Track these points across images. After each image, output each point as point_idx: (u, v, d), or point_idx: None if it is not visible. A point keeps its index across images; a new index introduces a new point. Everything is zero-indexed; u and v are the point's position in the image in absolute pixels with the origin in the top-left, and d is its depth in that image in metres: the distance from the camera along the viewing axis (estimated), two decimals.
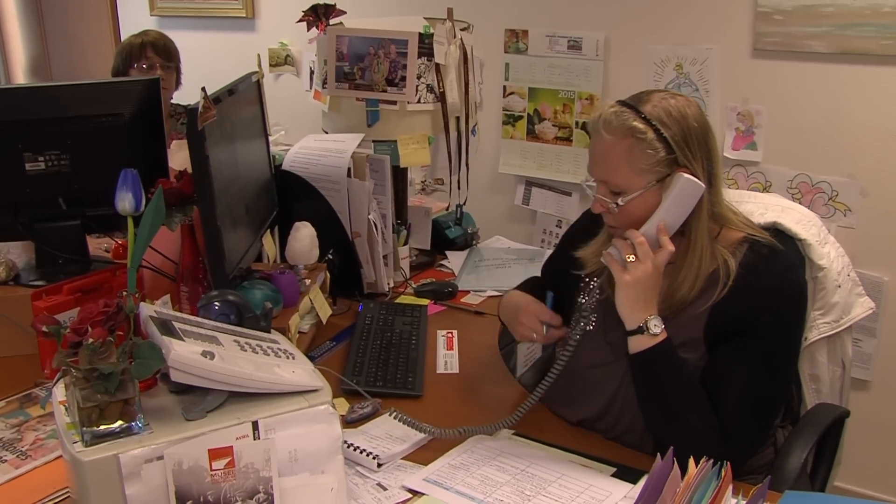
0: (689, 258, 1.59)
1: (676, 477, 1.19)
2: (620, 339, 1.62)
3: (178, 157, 2.37)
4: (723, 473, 1.20)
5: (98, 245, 2.42)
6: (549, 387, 1.65)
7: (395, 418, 1.62)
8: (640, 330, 1.56)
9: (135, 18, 4.47)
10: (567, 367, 1.67)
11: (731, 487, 1.21)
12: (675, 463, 1.21)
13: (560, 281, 1.84)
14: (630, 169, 1.55)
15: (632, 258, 1.55)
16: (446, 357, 2.08)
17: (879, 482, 2.96)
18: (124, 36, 3.91)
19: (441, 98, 2.54)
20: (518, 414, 1.64)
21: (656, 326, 1.55)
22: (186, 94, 3.27)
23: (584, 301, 1.72)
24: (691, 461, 1.22)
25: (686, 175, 1.54)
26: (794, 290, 1.60)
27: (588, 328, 1.70)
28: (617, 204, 1.57)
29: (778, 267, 1.59)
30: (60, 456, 1.55)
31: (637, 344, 1.57)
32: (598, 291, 1.69)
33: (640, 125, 1.53)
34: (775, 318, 1.56)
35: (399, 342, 2.09)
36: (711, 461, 1.22)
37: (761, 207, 1.97)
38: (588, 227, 1.79)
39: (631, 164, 1.54)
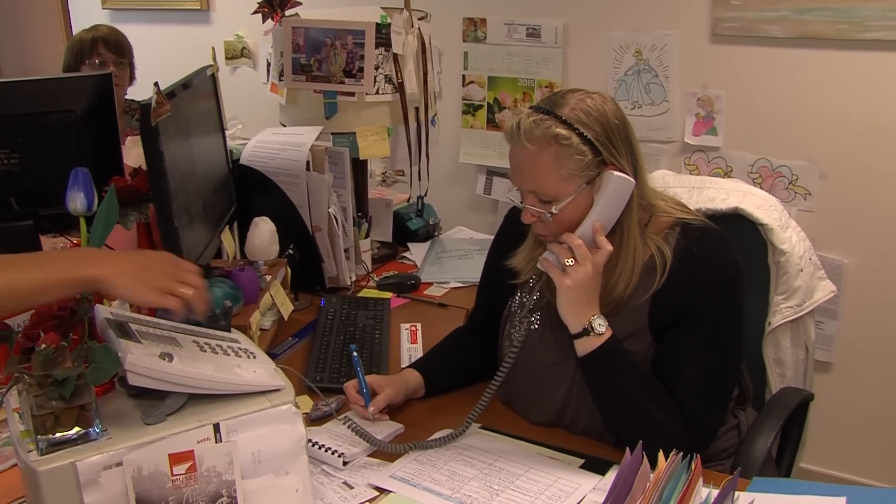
0: (623, 253, 1.58)
1: (646, 471, 1.18)
2: (568, 339, 1.61)
3: (133, 153, 2.33)
4: (693, 466, 1.19)
5: (53, 245, 2.36)
6: (498, 388, 1.63)
7: (347, 426, 1.59)
8: (586, 332, 1.55)
9: (86, 13, 4.38)
10: (524, 367, 1.67)
11: (701, 479, 1.20)
12: (645, 457, 1.20)
13: (498, 292, 1.82)
14: (559, 176, 1.53)
15: (570, 262, 1.54)
16: (410, 351, 2.06)
17: (843, 462, 2.99)
18: (76, 31, 3.82)
19: (400, 88, 2.51)
20: (466, 424, 1.61)
21: (601, 326, 1.55)
22: (141, 90, 3.21)
23: (525, 300, 1.72)
24: (661, 455, 1.22)
25: (616, 173, 1.53)
26: (730, 268, 1.60)
27: (533, 327, 1.69)
28: (551, 213, 1.55)
29: (712, 247, 1.59)
30: (16, 464, 1.51)
31: (584, 346, 1.56)
32: (537, 292, 1.68)
33: (563, 131, 1.50)
34: (717, 297, 1.57)
35: (362, 337, 2.07)
36: (681, 454, 1.22)
37: (723, 193, 1.98)
38: (510, 233, 1.77)
39: (560, 171, 1.52)
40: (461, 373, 1.86)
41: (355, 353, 1.74)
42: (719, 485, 1.23)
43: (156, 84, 1.67)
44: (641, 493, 1.14)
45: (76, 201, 1.33)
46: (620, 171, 1.53)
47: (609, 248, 1.54)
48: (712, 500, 1.15)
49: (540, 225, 1.59)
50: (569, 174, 1.52)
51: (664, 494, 1.14)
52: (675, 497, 1.14)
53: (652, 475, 1.21)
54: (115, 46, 3.11)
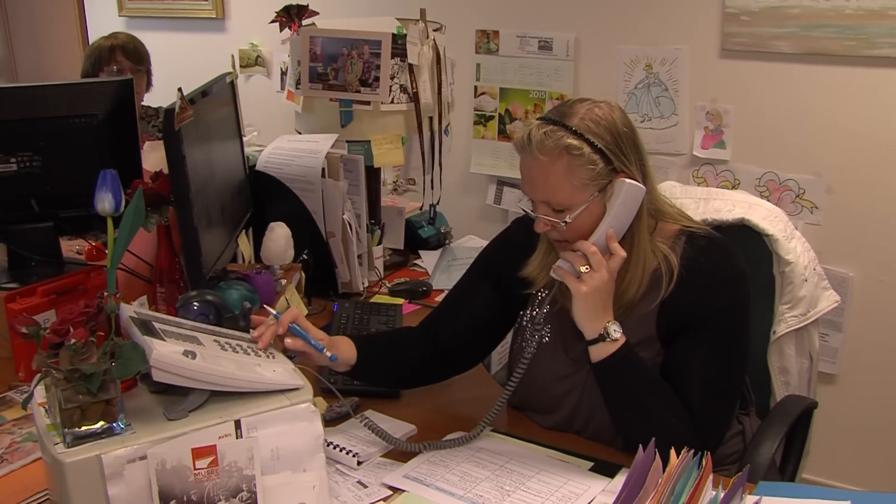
0: (633, 259, 1.60)
1: (658, 468, 1.21)
2: (578, 351, 1.63)
3: (152, 158, 2.37)
4: (703, 464, 1.22)
5: (69, 247, 2.40)
6: (510, 397, 1.65)
7: (364, 425, 1.62)
8: (602, 338, 1.56)
9: (103, 19, 4.44)
10: (534, 379, 1.69)
11: (711, 478, 1.23)
12: (657, 454, 1.23)
13: (479, 295, 1.82)
14: (571, 186, 1.54)
15: (586, 268, 1.55)
16: None
17: (847, 474, 3.01)
18: (92, 37, 3.88)
19: (414, 98, 2.55)
20: (479, 429, 1.64)
21: (616, 332, 1.56)
22: (157, 96, 3.26)
23: (535, 314, 1.74)
24: (672, 452, 1.24)
25: (628, 181, 1.55)
26: (737, 276, 1.62)
27: (544, 340, 1.72)
28: (565, 222, 1.57)
29: (718, 256, 1.62)
30: (38, 459, 1.54)
31: (599, 352, 1.58)
32: (548, 304, 1.69)
33: (574, 141, 1.52)
34: (725, 305, 1.59)
35: None
36: (692, 452, 1.25)
37: (729, 204, 2.00)
38: (518, 242, 1.77)
39: (572, 181, 1.54)
40: (396, 367, 1.81)
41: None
42: (726, 487, 1.25)
43: (179, 90, 1.71)
44: (654, 488, 1.18)
45: (104, 202, 1.36)
46: (631, 178, 1.56)
47: (623, 254, 1.56)
48: (720, 497, 1.19)
49: (554, 233, 1.61)
50: (581, 183, 1.54)
51: (675, 491, 1.17)
52: (686, 493, 1.17)
53: (664, 473, 1.24)
54: (132, 54, 3.16)
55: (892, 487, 2.94)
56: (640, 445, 1.25)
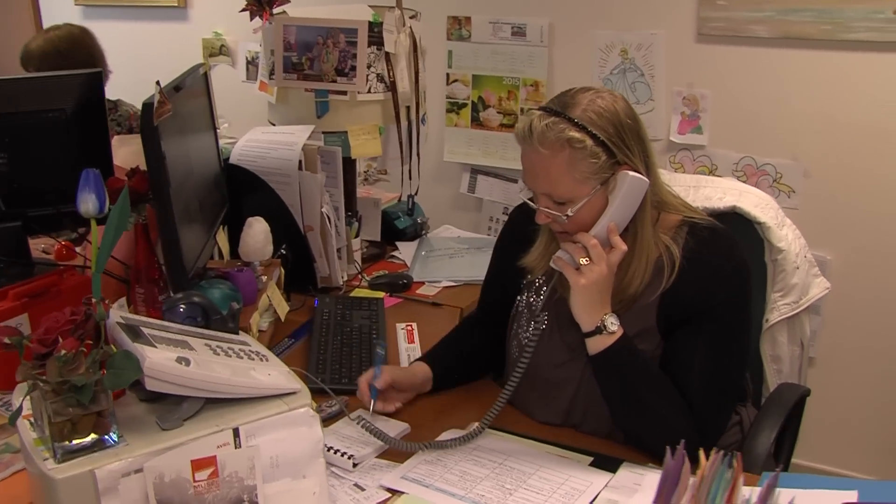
0: (637, 252, 1.58)
1: (688, 472, 1.18)
2: (576, 339, 1.61)
3: (121, 153, 2.30)
4: (734, 464, 1.19)
5: (34, 245, 2.31)
6: (513, 390, 1.62)
7: (360, 425, 1.58)
8: (598, 330, 1.55)
9: (58, 9, 4.29)
10: (531, 367, 1.65)
11: (742, 478, 1.20)
12: (686, 458, 1.20)
13: (505, 292, 1.83)
14: (573, 179, 1.52)
15: (585, 261, 1.53)
16: (409, 350, 2.05)
17: (826, 456, 3.03)
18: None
19: (392, 87, 2.50)
20: (481, 428, 1.60)
21: (613, 324, 1.54)
22: (117, 89, 3.14)
23: (533, 301, 1.72)
24: (701, 453, 1.21)
25: (631, 173, 1.52)
26: (739, 268, 1.61)
27: (541, 328, 1.69)
28: (567, 215, 1.54)
29: (721, 248, 1.60)
30: (18, 471, 1.48)
31: (596, 344, 1.56)
32: (545, 291, 1.68)
33: (576, 134, 1.49)
34: (726, 297, 1.57)
35: (360, 337, 2.05)
36: (722, 452, 1.22)
37: (719, 192, 1.99)
38: (515, 233, 1.77)
39: (574, 174, 1.51)
40: (469, 367, 1.86)
41: (380, 350, 1.81)
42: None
43: (157, 83, 1.64)
44: (685, 490, 1.15)
45: (88, 203, 1.30)
46: (634, 170, 1.53)
47: (624, 247, 1.54)
48: (755, 499, 1.16)
49: (555, 224, 1.59)
50: (583, 177, 1.51)
51: (710, 493, 1.14)
52: (722, 495, 1.14)
53: (693, 476, 1.21)
54: (47, 68, 3.01)
55: (870, 467, 2.97)
56: (668, 449, 1.21)
